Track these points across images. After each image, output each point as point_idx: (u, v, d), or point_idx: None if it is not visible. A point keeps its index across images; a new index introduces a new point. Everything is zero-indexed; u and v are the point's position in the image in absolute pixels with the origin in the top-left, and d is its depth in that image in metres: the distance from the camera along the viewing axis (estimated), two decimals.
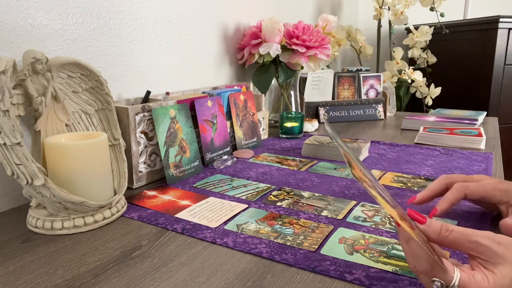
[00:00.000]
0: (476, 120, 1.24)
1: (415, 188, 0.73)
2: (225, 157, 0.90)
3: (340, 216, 0.61)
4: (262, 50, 1.14)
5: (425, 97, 1.78)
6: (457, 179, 0.58)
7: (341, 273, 0.46)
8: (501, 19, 1.66)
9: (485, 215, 0.61)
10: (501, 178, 0.78)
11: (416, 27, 1.82)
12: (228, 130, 0.97)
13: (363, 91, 1.47)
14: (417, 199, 0.59)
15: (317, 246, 0.51)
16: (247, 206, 0.65)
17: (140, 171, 0.76)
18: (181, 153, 0.80)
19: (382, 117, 1.44)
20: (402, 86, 1.82)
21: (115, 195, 0.64)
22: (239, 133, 1.00)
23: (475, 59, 1.81)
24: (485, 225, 0.57)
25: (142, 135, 0.75)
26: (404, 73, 1.73)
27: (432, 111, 1.51)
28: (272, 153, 0.98)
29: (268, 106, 1.44)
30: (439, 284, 0.35)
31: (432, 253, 0.35)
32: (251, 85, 1.16)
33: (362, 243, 0.52)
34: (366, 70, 1.56)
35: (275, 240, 0.53)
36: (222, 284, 0.44)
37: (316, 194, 0.70)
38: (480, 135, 1.04)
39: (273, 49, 1.13)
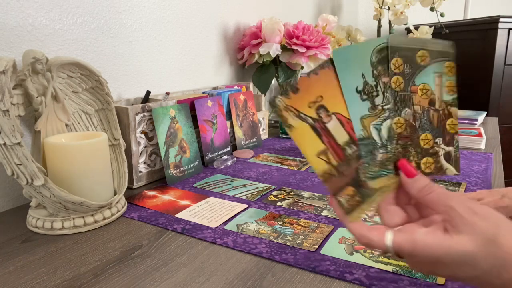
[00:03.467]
0: (476, 120, 1.24)
1: None
2: (225, 157, 0.90)
3: None
4: (262, 50, 1.14)
5: None
6: None
7: (341, 273, 0.46)
8: (501, 19, 1.65)
9: None
10: (501, 178, 0.78)
11: (416, 27, 1.82)
12: (228, 130, 0.97)
13: None
14: None
15: (317, 246, 0.51)
16: (247, 206, 0.65)
17: (140, 171, 0.76)
18: (181, 153, 0.80)
19: None
20: None
21: (115, 195, 0.64)
22: (239, 133, 1.00)
23: (475, 59, 1.81)
24: None
25: (142, 135, 0.75)
26: None
27: None
28: (272, 153, 0.98)
29: (268, 106, 1.44)
30: (377, 252, 0.35)
31: (341, 207, 0.36)
32: (251, 85, 1.16)
33: None
34: None
35: (275, 240, 0.53)
36: (222, 284, 0.44)
37: (316, 194, 0.70)
38: (480, 135, 1.04)
39: (273, 49, 1.13)
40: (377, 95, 0.37)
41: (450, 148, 0.38)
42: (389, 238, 0.34)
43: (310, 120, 0.38)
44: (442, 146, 0.38)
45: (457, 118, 0.38)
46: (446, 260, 0.31)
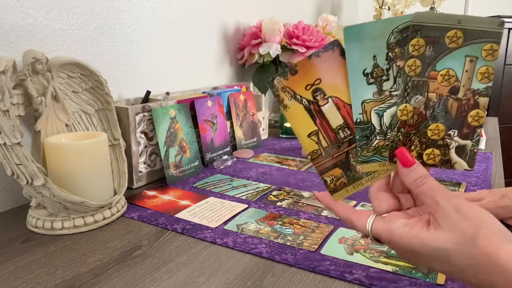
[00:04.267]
0: None
1: None
2: (225, 157, 0.90)
3: None
4: (262, 50, 1.14)
5: None
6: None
7: (341, 273, 0.46)
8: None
9: None
10: (501, 178, 0.78)
11: None
12: (228, 130, 0.97)
13: None
14: None
15: (317, 246, 0.51)
16: (247, 206, 0.65)
17: (140, 171, 0.76)
18: (181, 153, 0.80)
19: None
20: None
21: (115, 195, 0.64)
22: (239, 133, 1.00)
23: None
24: None
25: (142, 135, 0.75)
26: None
27: None
28: (272, 153, 0.98)
29: (268, 106, 1.44)
30: (360, 235, 0.37)
31: (326, 186, 0.38)
32: (251, 85, 1.16)
33: (362, 243, 0.52)
34: None
35: (275, 240, 0.53)
36: (222, 284, 0.44)
37: None
38: (480, 135, 1.04)
39: (273, 49, 1.13)
40: (387, 80, 0.35)
41: (466, 142, 0.35)
42: (369, 224, 0.35)
43: (305, 102, 0.38)
44: (456, 138, 0.35)
45: (485, 110, 0.34)
46: (421, 253, 0.32)
